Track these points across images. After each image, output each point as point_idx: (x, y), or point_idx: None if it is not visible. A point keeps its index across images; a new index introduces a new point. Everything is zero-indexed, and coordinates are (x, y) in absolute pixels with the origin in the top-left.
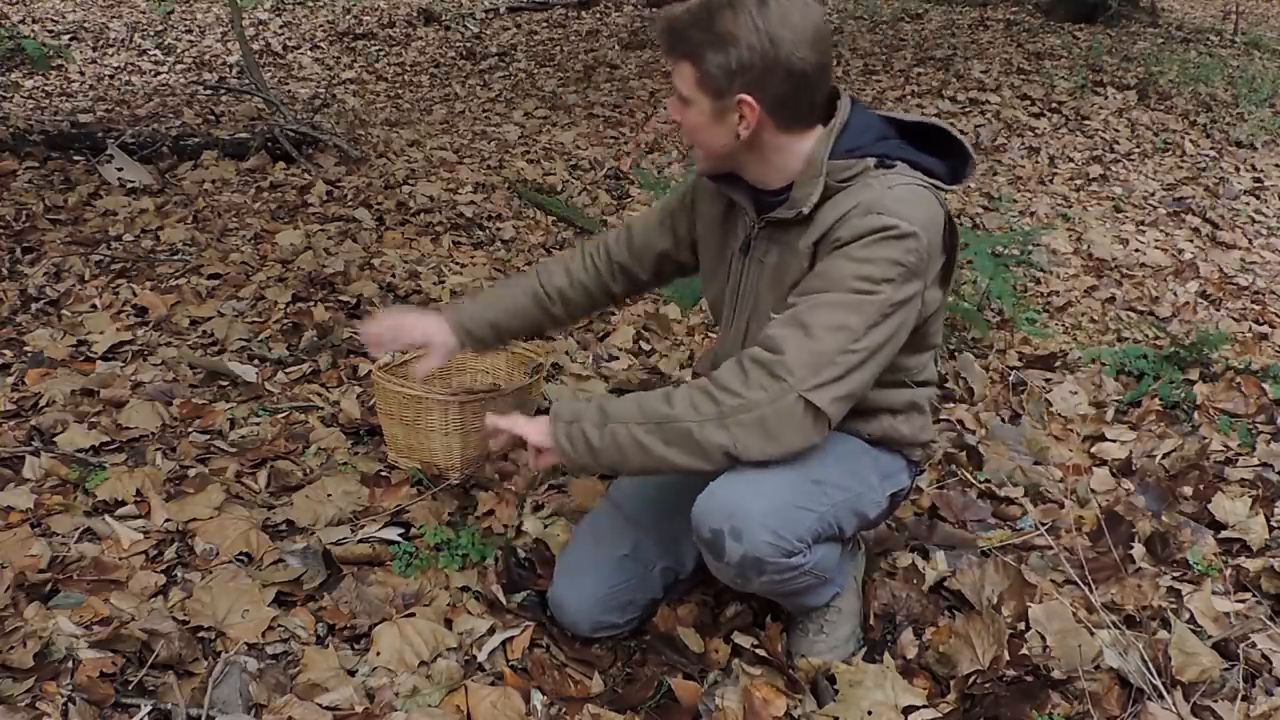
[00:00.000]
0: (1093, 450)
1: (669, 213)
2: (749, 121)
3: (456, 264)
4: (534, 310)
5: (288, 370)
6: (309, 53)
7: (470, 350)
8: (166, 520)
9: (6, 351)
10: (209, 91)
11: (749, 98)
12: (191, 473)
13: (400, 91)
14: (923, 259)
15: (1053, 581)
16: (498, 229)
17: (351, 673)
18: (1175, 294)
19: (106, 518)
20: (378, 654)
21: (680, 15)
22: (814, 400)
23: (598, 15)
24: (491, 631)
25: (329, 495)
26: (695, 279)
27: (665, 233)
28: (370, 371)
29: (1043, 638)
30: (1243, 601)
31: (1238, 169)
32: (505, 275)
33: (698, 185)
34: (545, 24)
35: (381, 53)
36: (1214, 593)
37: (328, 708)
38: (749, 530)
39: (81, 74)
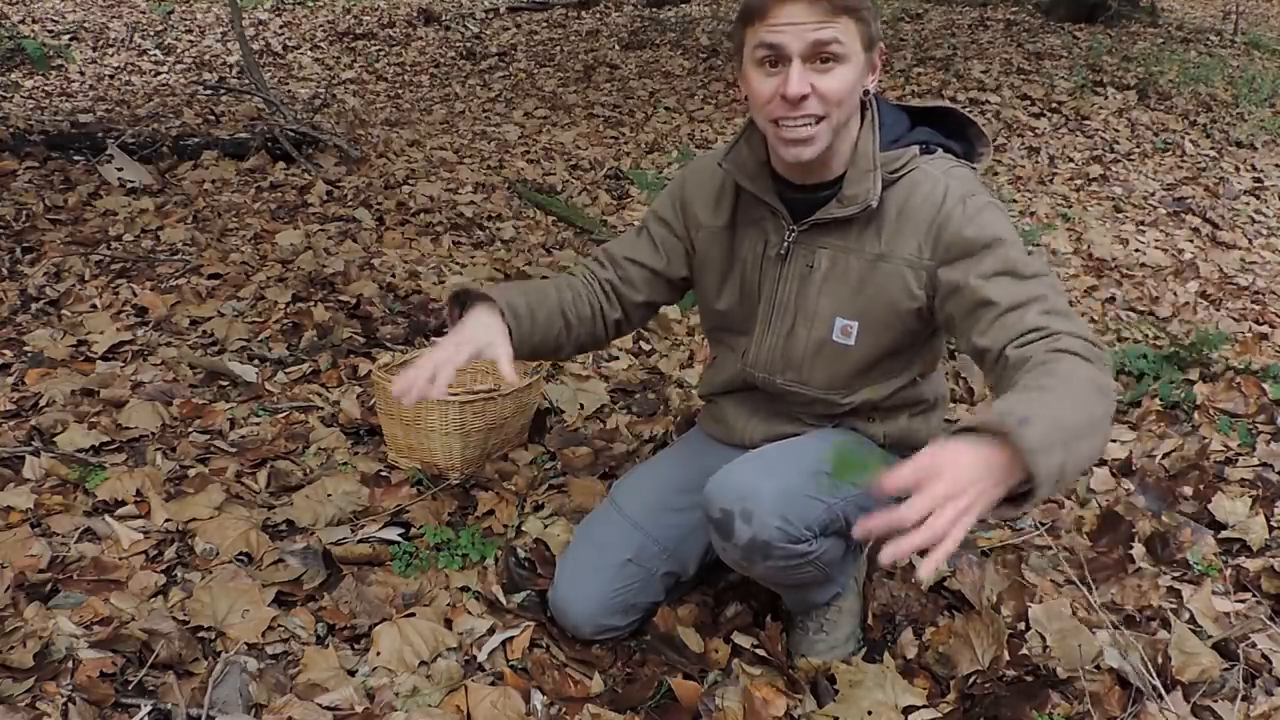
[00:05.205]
0: None
1: (656, 227)
2: (877, 71)
3: (456, 264)
4: (556, 310)
5: (288, 370)
6: (309, 53)
7: (512, 337)
8: (166, 520)
9: (6, 351)
10: (209, 91)
11: (881, 43)
12: (191, 473)
13: (400, 91)
14: None
15: (1053, 582)
16: (498, 229)
17: (351, 673)
18: (1175, 294)
19: (106, 518)
20: (378, 654)
21: None
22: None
23: (598, 15)
24: (491, 631)
25: (329, 495)
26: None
27: (654, 250)
28: (370, 371)
29: (1043, 638)
30: (1243, 601)
31: (1238, 169)
32: (506, 276)
33: (688, 195)
34: (545, 24)
35: (381, 53)
36: (1214, 593)
37: (328, 708)
38: (759, 513)
39: (81, 74)
